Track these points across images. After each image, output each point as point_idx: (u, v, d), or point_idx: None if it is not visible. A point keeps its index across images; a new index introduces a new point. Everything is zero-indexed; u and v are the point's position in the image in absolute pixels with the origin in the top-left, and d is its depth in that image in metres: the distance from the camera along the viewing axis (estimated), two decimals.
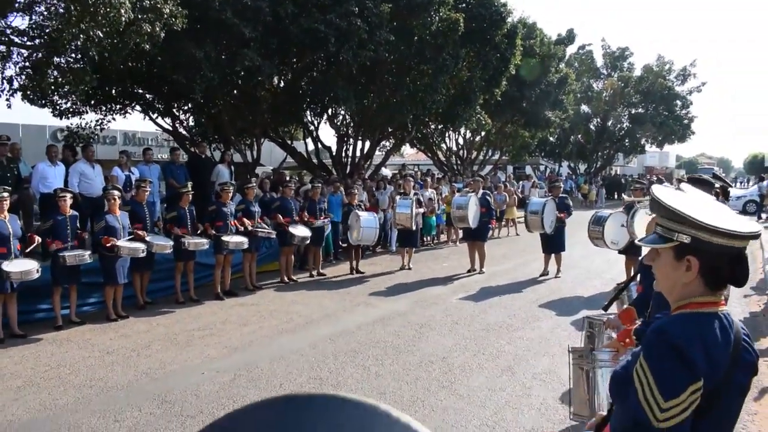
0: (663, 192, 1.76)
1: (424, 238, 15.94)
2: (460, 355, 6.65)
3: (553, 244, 11.30)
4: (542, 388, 5.61)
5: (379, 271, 12.13)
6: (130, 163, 11.46)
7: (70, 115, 13.03)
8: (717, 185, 6.43)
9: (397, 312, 8.70)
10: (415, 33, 15.12)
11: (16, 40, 10.20)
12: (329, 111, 17.60)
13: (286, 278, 11.00)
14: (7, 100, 10.49)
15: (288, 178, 13.53)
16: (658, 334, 1.64)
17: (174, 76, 11.59)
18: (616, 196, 36.71)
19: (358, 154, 18.54)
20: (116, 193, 8.55)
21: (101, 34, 8.79)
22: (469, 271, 11.82)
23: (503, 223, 18.63)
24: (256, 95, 14.41)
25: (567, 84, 27.10)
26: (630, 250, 9.33)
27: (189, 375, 6.07)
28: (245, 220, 10.01)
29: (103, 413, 5.10)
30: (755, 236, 1.65)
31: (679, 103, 37.85)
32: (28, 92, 10.51)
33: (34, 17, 10.02)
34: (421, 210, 13.47)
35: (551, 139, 35.44)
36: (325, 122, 18.50)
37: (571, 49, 33.11)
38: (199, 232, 9.46)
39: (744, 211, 24.42)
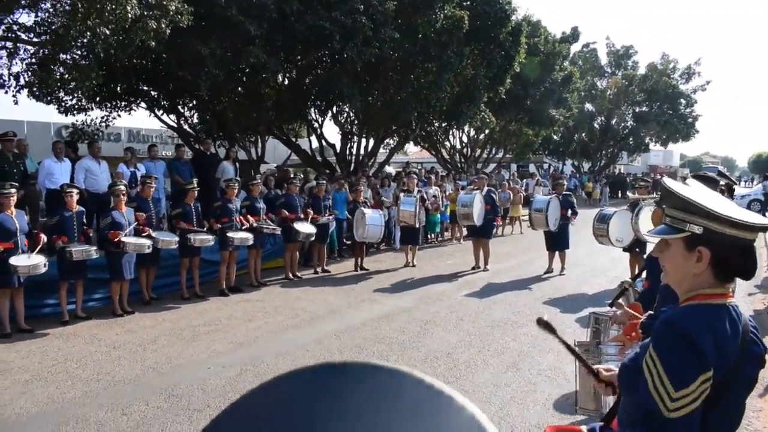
0: (674, 183, 1.78)
1: (428, 236, 15.96)
2: (465, 351, 6.66)
3: (557, 241, 11.31)
4: (547, 384, 5.63)
5: (383, 268, 12.16)
6: (135, 160, 11.50)
7: (75, 112, 13.08)
8: (722, 183, 6.42)
9: (402, 308, 8.72)
10: (419, 30, 15.14)
11: (23, 36, 10.25)
12: (334, 108, 17.61)
13: (290, 275, 11.02)
14: (14, 96, 10.56)
15: (292, 176, 13.55)
16: (667, 324, 1.65)
17: (179, 72, 11.62)
18: (620, 195, 36.69)
19: (362, 151, 18.56)
20: (123, 188, 8.57)
21: (107, 31, 8.83)
22: (473, 269, 11.84)
23: (507, 221, 18.63)
24: (261, 92, 14.44)
25: (571, 82, 27.07)
26: (634, 248, 9.35)
27: (195, 369, 6.10)
28: (250, 216, 10.04)
29: (111, 407, 5.13)
30: (766, 228, 1.67)
31: (683, 101, 37.80)
32: (34, 89, 10.56)
33: (40, 14, 10.06)
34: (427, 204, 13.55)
35: (555, 137, 35.41)
36: (330, 120, 18.53)
37: (575, 47, 33.14)
38: (204, 228, 9.49)
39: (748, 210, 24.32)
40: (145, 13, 9.11)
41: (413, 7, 14.68)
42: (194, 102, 15.20)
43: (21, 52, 10.53)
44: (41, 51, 10.14)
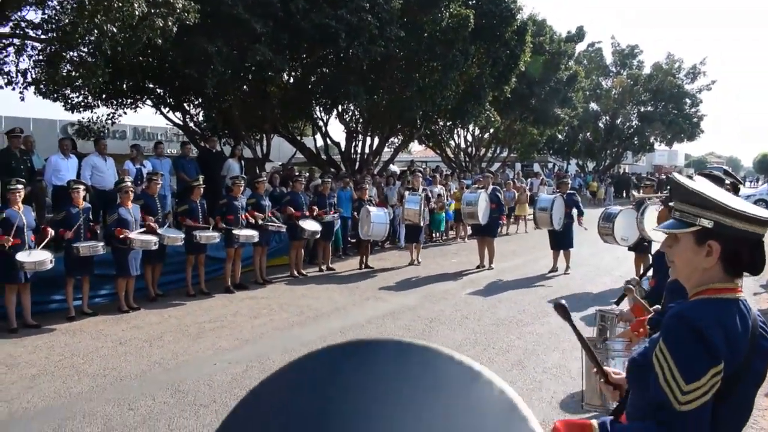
0: (685, 178, 1.78)
1: (433, 234, 15.97)
2: (470, 349, 6.67)
3: (562, 240, 11.31)
4: (553, 382, 5.63)
5: (388, 266, 12.17)
6: (141, 157, 11.53)
7: (81, 109, 13.13)
8: (728, 181, 6.41)
9: (407, 306, 8.73)
10: (425, 29, 15.13)
11: (30, 33, 10.29)
12: (339, 107, 17.63)
13: (295, 272, 11.04)
14: (21, 93, 10.60)
15: (297, 174, 13.57)
16: (677, 318, 1.65)
17: (185, 70, 11.66)
18: (624, 194, 36.60)
19: (367, 150, 18.57)
20: (129, 185, 8.60)
21: (114, 29, 8.86)
22: (478, 267, 11.84)
23: (512, 220, 18.62)
24: (267, 90, 14.47)
25: (576, 81, 27.05)
26: (639, 247, 9.35)
27: (201, 365, 6.13)
28: (256, 213, 10.06)
29: (118, 401, 5.16)
30: None
31: (688, 101, 37.64)
32: (41, 86, 10.61)
33: (47, 11, 10.11)
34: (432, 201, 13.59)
35: (560, 136, 35.37)
36: (335, 118, 18.56)
37: (580, 47, 33.01)
38: (210, 226, 9.51)
39: None
40: (152, 10, 9.13)
41: (419, 5, 14.67)
42: (200, 100, 15.22)
43: (28, 49, 10.59)
44: (48, 48, 10.18)
